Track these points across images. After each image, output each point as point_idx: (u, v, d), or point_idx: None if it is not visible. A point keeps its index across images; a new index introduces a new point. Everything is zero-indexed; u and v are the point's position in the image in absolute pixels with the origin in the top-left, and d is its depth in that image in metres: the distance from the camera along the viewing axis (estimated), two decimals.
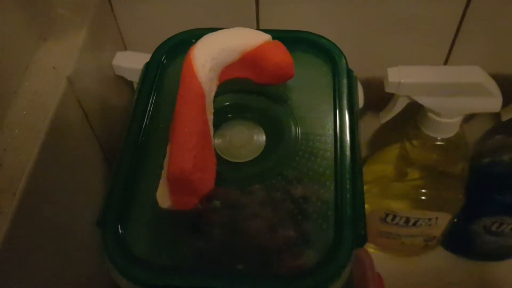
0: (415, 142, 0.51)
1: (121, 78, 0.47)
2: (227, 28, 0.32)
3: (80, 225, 0.39)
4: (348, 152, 0.29)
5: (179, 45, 0.34)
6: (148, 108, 0.32)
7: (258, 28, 0.46)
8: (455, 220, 0.56)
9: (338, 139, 0.30)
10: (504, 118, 0.49)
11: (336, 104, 0.31)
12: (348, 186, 0.28)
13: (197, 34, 0.33)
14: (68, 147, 0.38)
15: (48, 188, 0.35)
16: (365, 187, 0.56)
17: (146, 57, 0.35)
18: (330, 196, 0.28)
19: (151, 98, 0.32)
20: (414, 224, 0.55)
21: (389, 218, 0.56)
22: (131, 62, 0.47)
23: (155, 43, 0.36)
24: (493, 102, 0.45)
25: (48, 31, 0.40)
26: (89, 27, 0.42)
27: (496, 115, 0.49)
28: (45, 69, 0.38)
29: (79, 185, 0.40)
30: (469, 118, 0.55)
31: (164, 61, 0.34)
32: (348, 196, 0.27)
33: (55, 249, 0.36)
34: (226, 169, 0.29)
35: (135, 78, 0.47)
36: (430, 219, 0.55)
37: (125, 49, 0.50)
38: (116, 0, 0.46)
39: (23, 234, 0.32)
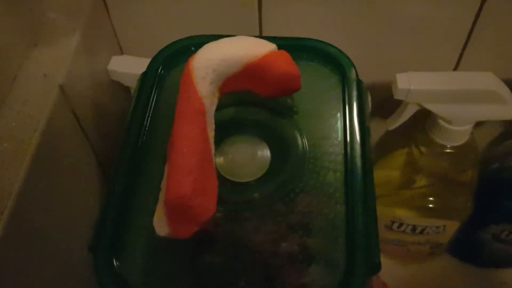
0: (423, 149, 0.49)
1: (117, 83, 0.46)
2: (228, 34, 0.30)
3: (74, 244, 0.37)
4: (359, 172, 0.27)
5: (177, 54, 0.33)
6: (145, 123, 0.30)
7: (260, 34, 0.44)
8: (463, 227, 0.54)
9: (348, 157, 0.28)
10: None
11: (346, 119, 0.29)
12: (360, 210, 0.26)
13: (196, 42, 0.32)
14: (60, 160, 0.36)
15: (39, 206, 0.33)
16: None
17: (143, 62, 0.34)
18: (340, 221, 0.26)
19: (148, 112, 0.30)
20: (421, 232, 0.54)
21: (395, 226, 0.54)
22: (128, 67, 0.45)
23: (153, 47, 0.35)
24: (506, 109, 0.43)
25: (39, 37, 0.38)
26: (82, 31, 0.40)
27: (506, 121, 0.47)
28: (36, 77, 0.36)
29: (73, 200, 0.38)
30: (479, 123, 0.53)
31: (162, 71, 0.32)
32: (360, 220, 0.25)
33: (47, 270, 0.34)
34: (229, 190, 0.27)
35: (132, 83, 0.45)
36: (437, 227, 0.53)
37: (121, 53, 0.48)
38: (111, 2, 0.44)
39: (11, 255, 0.30)
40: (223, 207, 0.26)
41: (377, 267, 0.25)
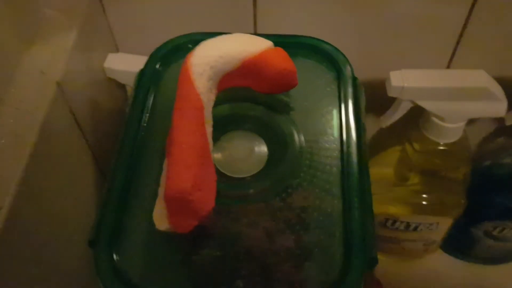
0: (416, 146, 0.49)
1: (113, 81, 0.46)
2: (223, 31, 0.30)
3: (72, 241, 0.37)
4: (355, 168, 0.27)
5: (175, 51, 0.33)
6: (143, 119, 0.30)
7: (255, 31, 0.44)
8: (456, 223, 0.55)
9: (344, 152, 0.28)
10: (509, 122, 0.48)
11: (342, 115, 0.30)
12: (356, 205, 0.26)
13: (194, 39, 0.32)
14: (58, 156, 0.36)
15: (38, 202, 0.33)
16: None
17: (139, 59, 0.34)
18: (337, 216, 0.26)
19: (146, 108, 0.30)
20: (415, 229, 0.54)
21: (389, 223, 0.55)
22: (124, 65, 0.45)
23: (148, 45, 0.35)
24: (498, 106, 0.44)
25: (36, 34, 0.38)
26: (79, 28, 0.40)
27: (497, 118, 0.48)
28: (33, 74, 0.36)
29: (71, 197, 0.38)
30: (471, 120, 0.54)
31: (159, 68, 0.32)
32: (356, 215, 0.26)
33: (45, 267, 0.34)
34: (226, 185, 0.28)
35: (127, 81, 0.45)
36: (431, 224, 0.54)
37: (117, 50, 0.48)
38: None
39: (10, 252, 0.30)
40: (221, 202, 0.27)
41: (373, 262, 0.25)
